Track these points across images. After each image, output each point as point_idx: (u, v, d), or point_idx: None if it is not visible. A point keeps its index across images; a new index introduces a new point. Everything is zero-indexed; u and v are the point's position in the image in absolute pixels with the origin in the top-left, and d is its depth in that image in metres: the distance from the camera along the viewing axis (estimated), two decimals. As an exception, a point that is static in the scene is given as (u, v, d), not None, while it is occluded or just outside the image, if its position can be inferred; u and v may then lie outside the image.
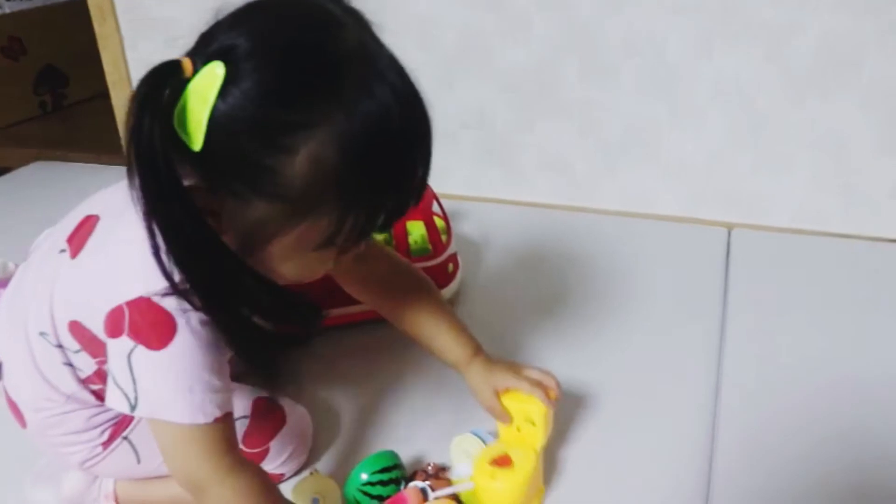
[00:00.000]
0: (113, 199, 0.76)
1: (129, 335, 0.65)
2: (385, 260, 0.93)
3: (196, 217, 0.60)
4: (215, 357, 0.68)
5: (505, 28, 1.49)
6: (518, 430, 0.87)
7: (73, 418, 0.79)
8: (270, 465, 0.88)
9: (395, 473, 0.87)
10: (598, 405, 1.02)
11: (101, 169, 1.94)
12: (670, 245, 1.43)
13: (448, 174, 1.64)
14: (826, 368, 1.07)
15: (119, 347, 0.66)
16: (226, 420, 0.69)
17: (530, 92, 1.54)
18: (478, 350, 0.91)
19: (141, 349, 0.65)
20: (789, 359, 1.10)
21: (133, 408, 0.67)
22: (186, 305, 0.64)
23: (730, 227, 1.48)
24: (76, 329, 0.72)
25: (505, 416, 0.87)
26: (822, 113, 1.38)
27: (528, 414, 0.86)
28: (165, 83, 0.58)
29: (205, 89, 0.57)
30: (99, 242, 0.72)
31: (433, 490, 0.86)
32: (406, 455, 0.92)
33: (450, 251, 1.22)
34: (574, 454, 0.94)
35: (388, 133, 0.61)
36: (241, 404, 0.87)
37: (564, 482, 0.90)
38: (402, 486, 0.87)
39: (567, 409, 1.02)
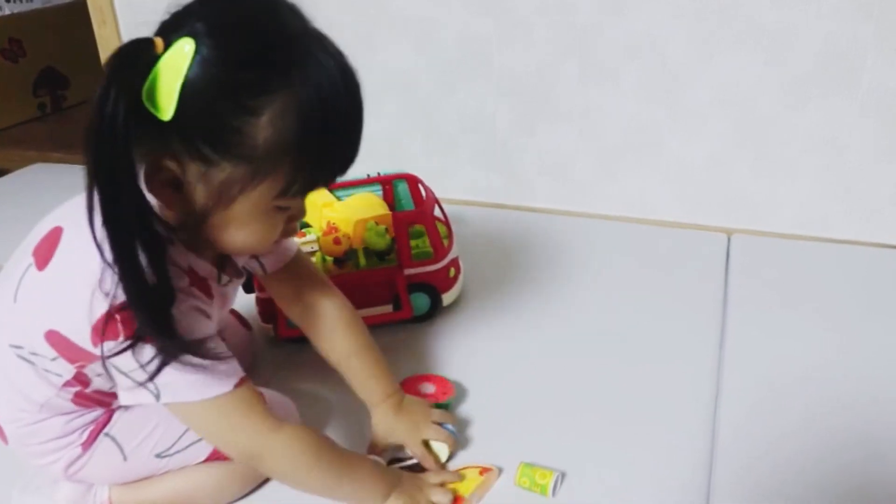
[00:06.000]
0: (75, 209, 0.77)
1: (126, 336, 0.68)
2: (319, 286, 0.98)
3: (136, 189, 0.65)
4: (209, 329, 0.74)
5: (505, 32, 1.49)
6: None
7: (50, 426, 0.80)
8: None
9: None
10: (597, 411, 1.02)
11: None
12: (670, 250, 1.43)
13: (449, 178, 1.64)
14: (827, 375, 1.07)
15: (118, 348, 0.68)
16: (245, 383, 0.75)
17: (530, 96, 1.54)
18: (388, 394, 0.96)
19: (143, 344, 0.68)
20: (789, 365, 1.10)
21: (158, 397, 0.71)
22: None
23: (729, 233, 1.48)
24: (53, 338, 0.73)
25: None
26: (823, 118, 1.39)
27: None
28: (137, 59, 0.64)
29: (177, 62, 0.63)
30: (66, 252, 0.73)
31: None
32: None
33: (451, 255, 1.23)
34: (572, 460, 0.94)
35: (337, 98, 0.69)
36: None
37: (563, 491, 0.90)
38: None
39: (565, 415, 1.02)
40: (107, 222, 0.64)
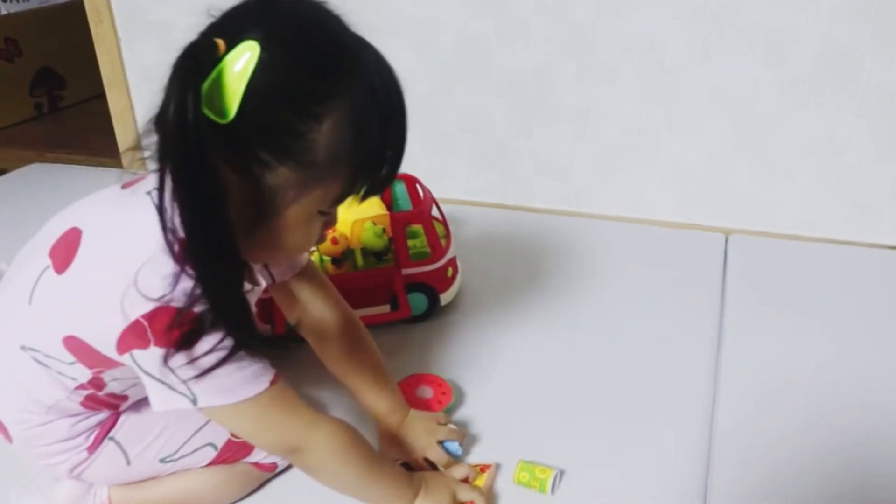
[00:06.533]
0: (92, 210, 0.76)
1: (157, 344, 0.65)
2: (327, 298, 0.96)
3: (221, 200, 0.64)
4: None
5: (503, 33, 1.49)
6: None
7: (56, 428, 0.79)
8: (261, 454, 0.88)
9: None
10: (594, 410, 1.02)
11: (98, 171, 1.93)
12: (667, 250, 1.43)
13: (447, 179, 1.64)
14: (824, 375, 1.07)
15: (150, 357, 0.66)
16: (279, 379, 0.73)
17: (529, 97, 1.54)
18: (392, 409, 0.95)
19: (181, 350, 0.66)
20: (787, 365, 1.09)
21: (195, 402, 0.69)
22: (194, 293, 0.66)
23: (727, 233, 1.48)
24: (72, 343, 0.72)
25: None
26: (821, 119, 1.39)
27: None
28: (203, 61, 0.62)
29: (241, 65, 0.62)
30: (89, 257, 0.71)
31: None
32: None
33: (449, 255, 1.22)
34: (570, 460, 0.93)
35: (390, 104, 0.69)
36: None
37: (561, 490, 0.89)
38: None
39: (563, 415, 1.02)
40: (189, 218, 0.63)
